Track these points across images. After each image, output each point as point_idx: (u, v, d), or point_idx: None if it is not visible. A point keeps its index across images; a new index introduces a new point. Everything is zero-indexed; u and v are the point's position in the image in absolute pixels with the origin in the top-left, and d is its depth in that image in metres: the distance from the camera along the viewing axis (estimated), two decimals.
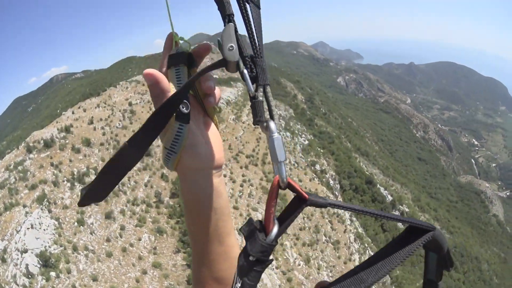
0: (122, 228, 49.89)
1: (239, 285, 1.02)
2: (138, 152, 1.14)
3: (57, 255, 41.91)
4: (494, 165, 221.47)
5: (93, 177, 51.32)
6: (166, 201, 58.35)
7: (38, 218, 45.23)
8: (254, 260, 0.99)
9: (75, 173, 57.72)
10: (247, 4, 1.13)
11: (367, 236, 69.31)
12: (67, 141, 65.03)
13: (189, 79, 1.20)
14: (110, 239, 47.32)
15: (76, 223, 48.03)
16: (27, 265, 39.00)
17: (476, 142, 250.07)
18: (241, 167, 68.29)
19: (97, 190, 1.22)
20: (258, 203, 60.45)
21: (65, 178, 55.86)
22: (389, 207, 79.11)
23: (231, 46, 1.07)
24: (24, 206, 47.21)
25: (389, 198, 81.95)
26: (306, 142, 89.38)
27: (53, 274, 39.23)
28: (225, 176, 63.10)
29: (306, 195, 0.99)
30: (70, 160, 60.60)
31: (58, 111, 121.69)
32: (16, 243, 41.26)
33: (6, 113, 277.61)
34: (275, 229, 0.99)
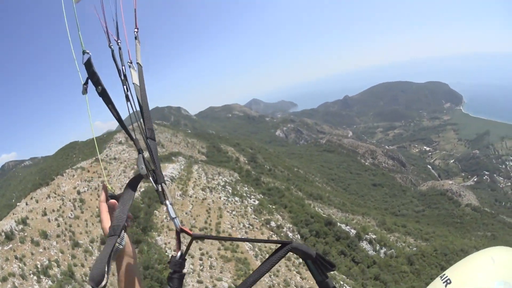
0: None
1: None
2: None
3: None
4: (452, 161, 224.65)
5: (56, 269, 49.38)
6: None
7: None
8: (173, 271, 1.90)
9: (39, 266, 55.50)
10: (148, 140, 2.33)
11: (340, 273, 68.06)
12: (25, 234, 62.70)
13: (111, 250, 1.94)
14: None
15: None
16: None
17: (427, 148, 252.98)
18: (196, 242, 66.33)
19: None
20: (221, 272, 59.00)
21: (30, 272, 53.48)
22: (355, 240, 78.44)
23: (142, 167, 2.15)
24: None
25: (353, 232, 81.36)
26: (257, 202, 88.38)
27: None
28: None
29: (191, 232, 1.97)
30: (32, 253, 58.16)
31: (13, 200, 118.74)
32: None
33: None
34: (179, 253, 1.95)
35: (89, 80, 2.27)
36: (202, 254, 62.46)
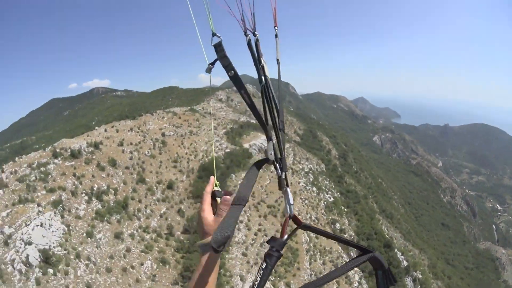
0: (128, 250, 49.60)
1: (264, 265, 2.05)
2: None
3: (59, 256, 42.10)
4: None
5: (112, 197, 51.24)
6: (177, 235, 57.75)
7: (49, 220, 45.88)
8: (274, 250, 2.08)
9: (95, 188, 58.39)
10: (279, 131, 2.55)
11: None
12: (93, 156, 66.31)
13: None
14: (113, 256, 47.15)
15: (84, 234, 48.29)
16: (28, 255, 39.44)
17: (499, 207, 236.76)
18: (259, 216, 67.33)
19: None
20: None
21: (84, 191, 56.48)
22: (402, 272, 76.07)
23: (271, 153, 2.42)
24: (39, 205, 47.90)
25: (405, 263, 78.94)
26: (332, 199, 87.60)
27: (50, 270, 39.42)
28: (241, 222, 63.30)
29: (301, 222, 2.24)
30: (93, 176, 61.38)
31: (94, 123, 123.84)
32: (22, 234, 41.71)
33: (40, 109, 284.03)
34: (286, 236, 2.16)
35: (219, 63, 2.42)
36: (259, 230, 63.48)
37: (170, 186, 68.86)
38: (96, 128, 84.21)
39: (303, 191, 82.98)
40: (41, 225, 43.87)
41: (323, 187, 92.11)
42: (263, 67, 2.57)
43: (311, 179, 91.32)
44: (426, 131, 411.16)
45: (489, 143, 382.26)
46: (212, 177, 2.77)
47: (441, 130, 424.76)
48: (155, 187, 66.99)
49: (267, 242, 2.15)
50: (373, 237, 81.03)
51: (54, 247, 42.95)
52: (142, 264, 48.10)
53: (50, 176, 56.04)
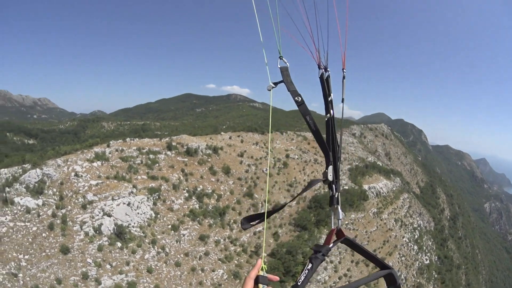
0: (206, 254, 49.46)
1: (310, 266, 2.37)
2: None
3: (134, 236, 43.49)
4: None
5: (213, 201, 52.71)
6: (262, 256, 55.59)
7: (139, 202, 47.54)
8: (321, 254, 2.43)
9: (199, 189, 59.19)
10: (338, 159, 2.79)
11: None
12: (209, 159, 67.41)
13: None
14: (189, 254, 47.39)
15: (170, 226, 49.20)
16: (101, 224, 41.30)
17: None
18: (352, 261, 64.80)
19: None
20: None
21: (186, 188, 57.51)
22: None
23: (330, 175, 2.71)
24: (134, 187, 49.73)
25: None
26: (427, 261, 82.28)
27: (119, 244, 40.99)
28: (331, 262, 61.43)
29: (345, 235, 2.60)
30: (202, 177, 62.30)
31: (224, 127, 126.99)
32: (105, 205, 43.75)
33: (173, 100, 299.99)
34: (331, 244, 2.50)
35: (287, 88, 2.63)
36: (345, 275, 60.87)
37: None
38: (222, 133, 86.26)
39: (404, 247, 78.87)
40: (128, 204, 46.30)
41: (424, 247, 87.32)
42: (331, 101, 2.69)
43: (415, 236, 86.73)
44: None
45: None
46: (259, 260, 2.69)
47: None
48: (260, 204, 65.95)
49: (313, 247, 2.48)
50: None
51: (133, 226, 44.99)
52: (213, 271, 47.61)
53: (157, 165, 58.44)
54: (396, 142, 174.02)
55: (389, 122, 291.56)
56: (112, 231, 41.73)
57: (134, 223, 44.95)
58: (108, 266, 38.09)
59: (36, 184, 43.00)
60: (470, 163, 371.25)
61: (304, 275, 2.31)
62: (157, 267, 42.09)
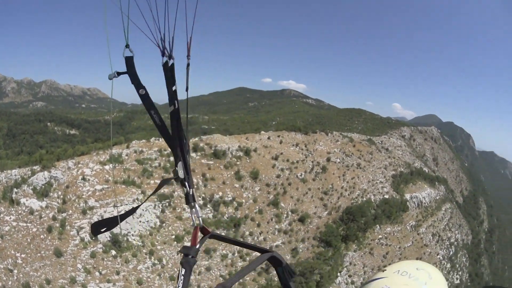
0: (208, 269, 47.68)
1: (183, 271, 2.19)
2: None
3: (131, 245, 43.17)
4: None
5: (231, 210, 55.08)
6: (272, 275, 51.21)
7: (143, 210, 46.81)
8: (191, 257, 2.24)
9: (215, 195, 56.54)
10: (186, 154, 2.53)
11: None
12: (238, 162, 64.19)
13: None
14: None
15: (173, 237, 47.89)
16: None
17: None
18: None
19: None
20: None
21: (203, 195, 55.10)
22: None
23: (181, 171, 2.50)
24: (142, 193, 48.52)
25: None
26: (457, 281, 77.71)
27: (113, 252, 41.21)
28: None
29: (210, 231, 2.47)
30: (224, 182, 59.52)
31: (274, 123, 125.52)
32: (105, 212, 43.74)
33: (226, 93, 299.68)
34: (197, 245, 2.30)
35: (130, 80, 2.40)
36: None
37: (302, 219, 63.69)
38: (262, 132, 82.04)
39: (437, 265, 72.14)
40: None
41: (457, 265, 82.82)
42: (175, 91, 2.47)
43: (450, 253, 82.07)
44: None
45: None
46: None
47: None
48: (285, 215, 62.84)
49: (181, 251, 2.31)
50: None
51: (132, 235, 44.28)
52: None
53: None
54: (444, 146, 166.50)
55: (440, 125, 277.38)
56: (108, 239, 41.97)
57: (134, 231, 44.78)
58: (97, 274, 38.34)
59: (43, 186, 44.03)
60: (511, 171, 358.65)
61: (181, 282, 2.16)
62: (149, 279, 41.59)
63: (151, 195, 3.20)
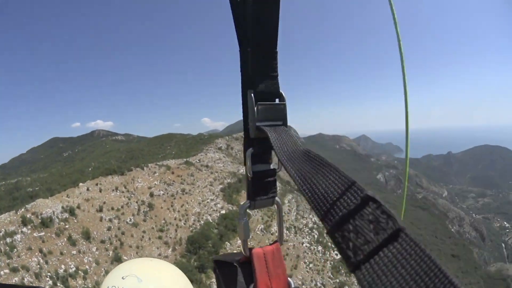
0: None
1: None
2: None
3: None
4: None
5: (80, 281, 41.47)
6: None
7: None
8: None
9: (61, 271, 50.75)
10: None
11: None
12: (66, 226, 59.00)
13: None
14: None
15: None
16: None
17: (507, 225, 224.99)
18: None
19: None
20: None
21: (49, 274, 48.97)
22: None
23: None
24: None
25: None
26: (339, 256, 77.54)
27: None
28: None
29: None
30: (61, 253, 53.70)
31: (90, 169, 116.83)
32: None
33: (41, 147, 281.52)
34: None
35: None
36: None
37: None
38: (80, 184, 75.73)
39: (307, 253, 75.90)
40: None
41: (330, 244, 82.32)
42: None
43: (315, 236, 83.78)
44: (429, 162, 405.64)
45: (494, 163, 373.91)
46: None
47: (444, 159, 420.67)
48: None
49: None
50: None
51: None
52: None
53: (15, 250, 49.60)
54: None
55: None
56: None
57: None
58: None
59: None
60: (349, 143, 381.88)
61: None
62: None
63: None
